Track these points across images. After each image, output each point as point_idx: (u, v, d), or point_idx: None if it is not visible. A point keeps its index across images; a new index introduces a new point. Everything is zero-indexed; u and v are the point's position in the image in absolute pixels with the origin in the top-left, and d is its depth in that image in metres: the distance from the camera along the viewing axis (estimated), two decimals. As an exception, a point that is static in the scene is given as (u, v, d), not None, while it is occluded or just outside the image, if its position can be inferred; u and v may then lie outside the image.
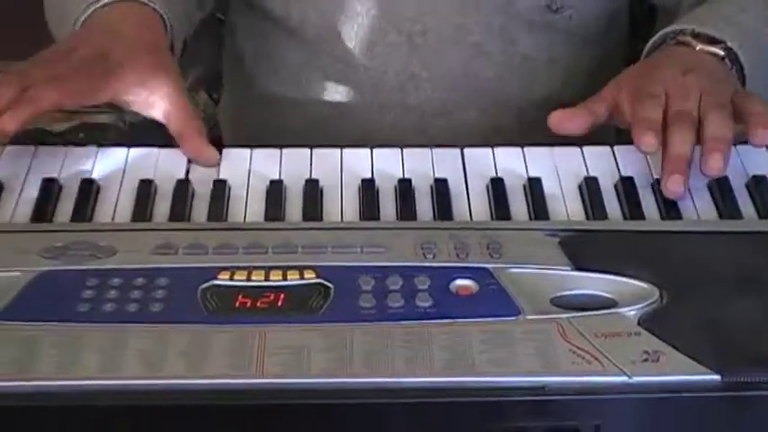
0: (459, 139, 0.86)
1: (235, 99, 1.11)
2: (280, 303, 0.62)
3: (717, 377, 0.57)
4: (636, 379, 0.57)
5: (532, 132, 0.83)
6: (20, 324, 0.60)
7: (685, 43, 0.84)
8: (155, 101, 0.79)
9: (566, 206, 0.75)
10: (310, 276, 0.64)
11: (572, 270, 0.65)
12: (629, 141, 0.76)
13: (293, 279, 0.64)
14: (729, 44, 0.83)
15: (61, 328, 0.60)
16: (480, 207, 0.74)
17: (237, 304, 0.62)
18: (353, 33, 0.96)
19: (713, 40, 0.83)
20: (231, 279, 0.64)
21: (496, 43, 0.96)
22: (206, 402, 0.56)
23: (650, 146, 0.74)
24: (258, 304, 0.62)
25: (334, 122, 0.99)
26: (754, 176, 0.76)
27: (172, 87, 0.79)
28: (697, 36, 0.84)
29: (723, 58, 0.83)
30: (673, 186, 0.73)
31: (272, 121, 1.03)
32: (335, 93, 0.99)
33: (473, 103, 0.98)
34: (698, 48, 0.83)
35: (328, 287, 0.63)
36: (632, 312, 0.61)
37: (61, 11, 0.87)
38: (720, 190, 0.74)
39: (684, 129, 0.74)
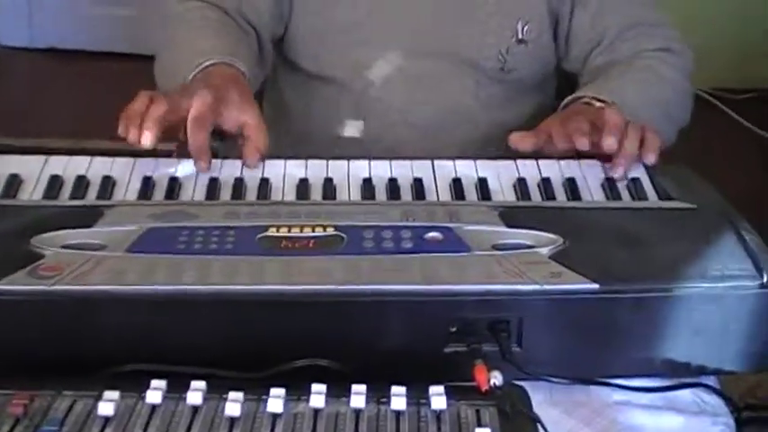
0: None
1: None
2: (311, 245, 0.88)
3: (596, 286, 0.83)
4: (545, 287, 0.83)
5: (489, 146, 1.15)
6: (140, 255, 0.87)
7: (588, 103, 1.16)
8: (244, 119, 1.09)
9: (503, 194, 1.02)
10: (330, 230, 0.90)
11: (506, 228, 0.92)
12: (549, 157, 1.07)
13: (319, 231, 0.90)
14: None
15: (167, 257, 0.86)
16: (445, 196, 1.02)
17: (282, 246, 0.88)
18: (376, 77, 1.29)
19: (606, 103, 1.14)
20: (278, 231, 0.90)
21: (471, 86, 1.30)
22: (263, 299, 0.83)
23: (584, 145, 1.04)
24: (296, 246, 0.88)
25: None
26: (632, 178, 1.04)
27: (255, 113, 1.11)
28: (596, 99, 1.16)
29: None
30: (617, 173, 1.04)
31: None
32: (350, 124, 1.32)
33: (458, 124, 1.32)
34: (596, 105, 1.15)
35: (342, 236, 0.89)
36: (545, 251, 0.88)
37: (174, 70, 1.17)
38: (609, 183, 1.03)
39: (633, 136, 1.04)
